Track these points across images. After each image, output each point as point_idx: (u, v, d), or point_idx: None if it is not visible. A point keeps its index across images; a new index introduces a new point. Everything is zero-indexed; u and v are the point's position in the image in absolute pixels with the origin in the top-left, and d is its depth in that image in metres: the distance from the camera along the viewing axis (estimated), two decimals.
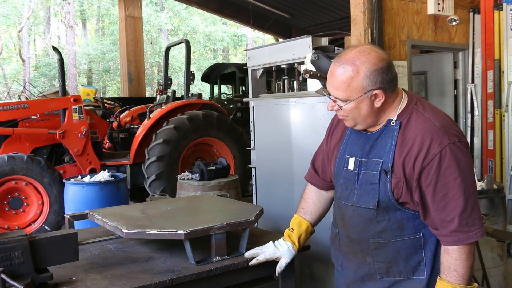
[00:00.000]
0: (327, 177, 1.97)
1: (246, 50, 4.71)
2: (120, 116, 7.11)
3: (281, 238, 2.02)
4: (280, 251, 1.96)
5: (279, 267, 1.95)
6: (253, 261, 1.97)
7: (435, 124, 1.60)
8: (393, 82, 1.65)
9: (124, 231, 1.92)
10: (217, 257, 1.97)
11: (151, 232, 1.91)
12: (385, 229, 1.70)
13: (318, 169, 2.02)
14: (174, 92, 6.82)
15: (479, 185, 3.58)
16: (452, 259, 1.60)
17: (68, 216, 2.40)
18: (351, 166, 1.75)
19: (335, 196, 1.91)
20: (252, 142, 4.24)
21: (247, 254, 2.00)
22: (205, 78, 11.21)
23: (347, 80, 1.60)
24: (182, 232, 1.87)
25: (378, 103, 1.63)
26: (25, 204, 5.22)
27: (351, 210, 1.77)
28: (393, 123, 1.66)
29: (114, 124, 6.86)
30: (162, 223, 2.08)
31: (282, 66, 3.97)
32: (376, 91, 1.61)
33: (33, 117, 5.62)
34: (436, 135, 1.58)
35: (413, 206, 1.67)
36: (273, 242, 2.00)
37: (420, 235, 1.68)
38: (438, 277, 1.64)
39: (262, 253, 1.97)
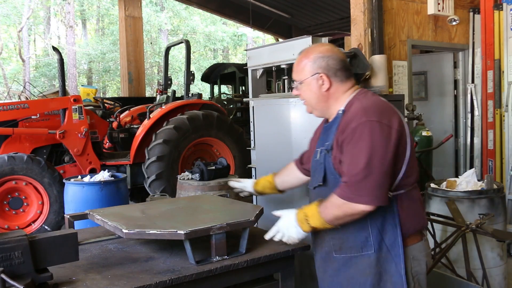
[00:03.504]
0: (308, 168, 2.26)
1: (246, 50, 4.70)
2: (120, 116, 7.10)
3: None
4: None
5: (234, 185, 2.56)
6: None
7: (361, 106, 1.85)
8: (341, 73, 1.94)
9: (124, 231, 1.92)
10: (217, 257, 1.97)
11: (151, 232, 1.91)
12: None
13: (303, 159, 2.35)
14: (174, 92, 6.82)
15: (479, 185, 3.58)
16: (329, 198, 1.84)
17: (68, 216, 2.40)
18: (317, 156, 2.01)
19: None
20: (252, 142, 4.23)
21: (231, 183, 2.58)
22: (205, 78, 11.20)
23: (300, 64, 2.00)
24: (182, 232, 1.87)
25: (324, 87, 1.94)
26: (25, 204, 5.22)
27: (314, 194, 2.03)
28: (340, 112, 1.94)
29: (114, 124, 6.85)
30: (162, 223, 2.08)
31: (282, 66, 3.96)
32: (321, 74, 1.93)
33: (33, 117, 5.61)
34: (358, 114, 1.82)
35: None
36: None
37: None
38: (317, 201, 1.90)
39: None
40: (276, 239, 1.98)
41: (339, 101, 1.95)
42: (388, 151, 1.77)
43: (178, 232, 1.88)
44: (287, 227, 1.94)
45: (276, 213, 2.02)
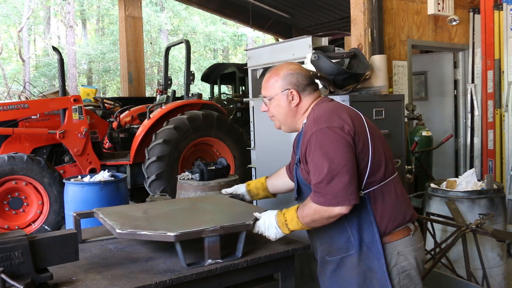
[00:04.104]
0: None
1: (246, 50, 4.71)
2: (120, 116, 7.10)
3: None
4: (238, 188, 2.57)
5: (227, 191, 2.58)
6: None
7: (312, 117, 1.96)
8: (310, 88, 2.04)
9: (118, 230, 1.92)
10: (210, 260, 1.93)
11: (142, 233, 1.89)
12: None
13: (290, 166, 2.40)
14: (174, 92, 6.81)
15: (479, 185, 3.58)
16: (306, 203, 1.91)
17: (74, 214, 2.37)
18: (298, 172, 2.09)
19: None
20: (252, 142, 4.24)
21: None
22: (205, 78, 11.20)
23: (270, 81, 2.06)
24: (172, 234, 1.84)
25: (294, 103, 2.03)
26: (25, 204, 5.21)
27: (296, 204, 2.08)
28: (303, 125, 2.04)
29: (114, 124, 6.85)
30: (158, 224, 2.06)
31: None
32: (291, 90, 2.02)
33: (33, 117, 5.61)
34: (310, 125, 1.93)
35: None
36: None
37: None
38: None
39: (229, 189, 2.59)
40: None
41: (305, 115, 2.04)
42: (345, 150, 1.82)
43: (168, 234, 1.85)
44: (267, 227, 2.00)
45: (257, 214, 2.06)
